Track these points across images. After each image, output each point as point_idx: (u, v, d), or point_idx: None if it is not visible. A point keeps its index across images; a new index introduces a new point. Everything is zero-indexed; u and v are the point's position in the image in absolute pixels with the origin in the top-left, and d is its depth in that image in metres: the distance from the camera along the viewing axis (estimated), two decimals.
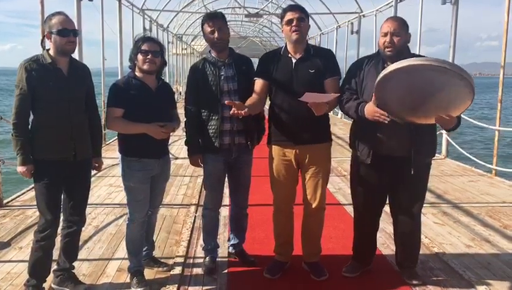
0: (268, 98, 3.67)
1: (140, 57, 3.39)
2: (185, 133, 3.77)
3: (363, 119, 3.31)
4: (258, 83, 3.59)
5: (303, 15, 3.49)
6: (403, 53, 3.30)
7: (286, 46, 3.59)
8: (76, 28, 3.30)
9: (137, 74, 3.44)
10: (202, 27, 3.68)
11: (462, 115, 3.29)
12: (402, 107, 3.14)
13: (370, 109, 3.21)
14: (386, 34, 3.31)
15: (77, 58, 3.44)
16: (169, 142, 3.68)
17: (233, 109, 3.17)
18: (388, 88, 3.06)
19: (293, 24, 3.44)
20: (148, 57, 3.39)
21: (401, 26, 3.32)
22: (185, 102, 3.76)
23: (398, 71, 2.96)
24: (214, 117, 3.62)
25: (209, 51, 3.74)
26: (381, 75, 3.04)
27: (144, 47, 3.40)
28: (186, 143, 3.76)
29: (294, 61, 3.52)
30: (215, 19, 3.61)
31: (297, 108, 3.38)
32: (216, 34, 3.58)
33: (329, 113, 3.72)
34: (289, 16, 3.47)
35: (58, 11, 3.20)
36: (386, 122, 3.15)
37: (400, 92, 3.06)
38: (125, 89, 3.41)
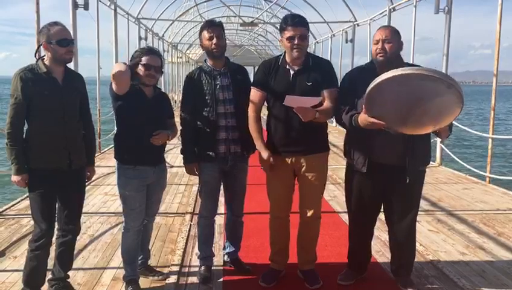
0: (266, 108, 3.68)
1: (142, 70, 3.39)
2: (180, 142, 3.78)
3: (358, 129, 3.32)
4: (255, 94, 3.58)
5: (304, 30, 3.44)
6: (395, 60, 3.33)
7: (284, 56, 3.56)
8: (72, 36, 3.32)
9: (134, 82, 3.44)
10: (200, 34, 3.69)
11: (455, 123, 3.32)
12: (392, 118, 3.13)
13: (362, 119, 3.22)
14: (378, 42, 3.36)
15: (72, 67, 3.45)
16: (165, 151, 3.69)
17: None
18: (377, 101, 3.06)
19: (294, 42, 3.40)
20: (150, 72, 3.40)
21: (392, 34, 3.37)
22: (181, 110, 3.77)
23: (383, 83, 2.95)
24: (209, 126, 3.63)
25: (205, 60, 3.76)
26: (368, 89, 3.04)
27: (147, 61, 3.39)
28: (182, 152, 3.77)
29: (292, 72, 3.51)
30: (214, 26, 3.63)
31: (295, 119, 3.39)
32: (214, 40, 3.59)
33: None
34: (291, 32, 3.40)
35: (55, 21, 3.22)
36: (382, 127, 3.15)
37: (389, 104, 3.06)
38: (128, 91, 3.35)
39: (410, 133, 3.21)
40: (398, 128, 3.18)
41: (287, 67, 3.54)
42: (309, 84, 3.46)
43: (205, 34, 3.63)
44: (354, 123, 3.29)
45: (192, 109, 3.69)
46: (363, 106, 3.16)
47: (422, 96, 2.95)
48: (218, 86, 3.63)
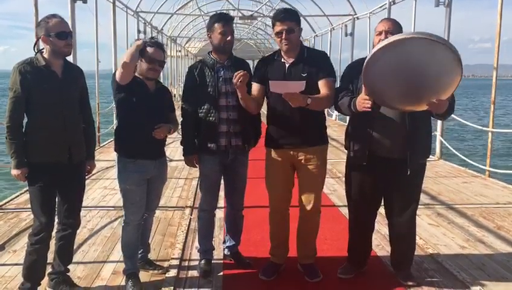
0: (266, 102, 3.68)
1: (145, 64, 3.36)
2: (180, 134, 3.77)
3: (355, 114, 3.31)
4: (255, 87, 3.60)
5: (292, 25, 3.44)
6: None
7: (280, 50, 3.58)
8: (71, 29, 3.30)
9: (137, 74, 3.43)
10: (211, 26, 3.64)
11: (455, 117, 3.29)
12: (391, 93, 3.09)
13: (359, 99, 3.20)
14: (381, 33, 3.36)
15: (71, 60, 3.41)
16: (165, 144, 3.68)
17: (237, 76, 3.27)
18: (375, 74, 3.02)
19: (282, 37, 3.43)
20: (155, 65, 3.38)
21: (395, 26, 3.38)
22: (182, 102, 3.76)
23: (381, 51, 2.90)
24: (210, 118, 3.62)
25: (209, 53, 3.74)
26: (365, 61, 3.01)
27: (152, 54, 3.37)
28: (182, 143, 3.77)
29: (287, 65, 3.53)
30: (230, 22, 3.63)
31: (291, 111, 3.40)
32: (229, 38, 3.60)
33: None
34: (278, 27, 3.44)
35: (53, 13, 3.20)
36: (368, 106, 3.12)
37: (387, 77, 3.01)
38: (130, 83, 3.32)
39: (411, 109, 3.18)
40: (399, 105, 3.15)
41: (282, 60, 3.56)
42: (304, 75, 3.46)
43: (218, 28, 3.60)
44: (353, 107, 3.27)
45: (193, 101, 3.68)
46: (362, 82, 3.14)
47: (419, 64, 2.89)
48: (221, 79, 3.62)
